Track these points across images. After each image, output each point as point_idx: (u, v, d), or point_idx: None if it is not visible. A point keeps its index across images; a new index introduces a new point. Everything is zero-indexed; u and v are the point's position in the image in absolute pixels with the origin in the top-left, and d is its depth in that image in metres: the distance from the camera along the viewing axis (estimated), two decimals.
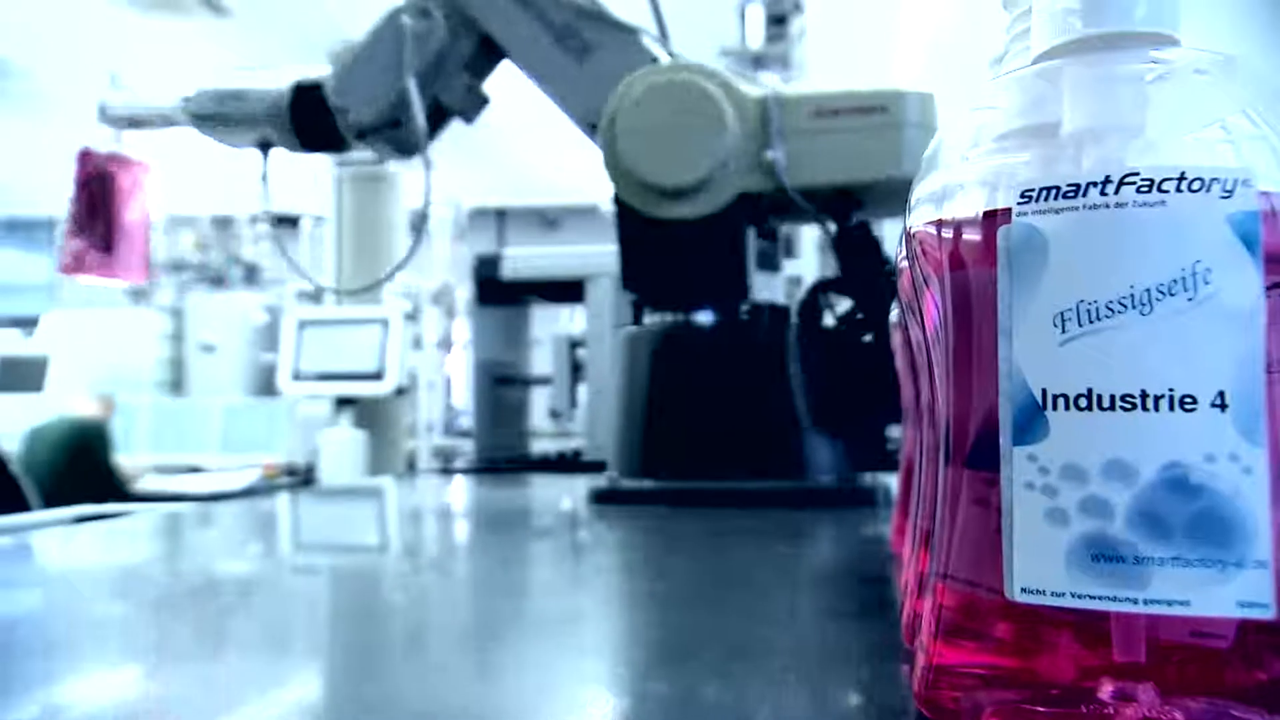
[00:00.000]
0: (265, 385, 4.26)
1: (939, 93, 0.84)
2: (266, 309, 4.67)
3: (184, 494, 3.25)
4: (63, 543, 0.76)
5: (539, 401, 2.09)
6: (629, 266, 0.90)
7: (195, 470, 3.90)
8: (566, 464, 1.55)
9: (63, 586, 0.58)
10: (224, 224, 5.10)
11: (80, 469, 3.19)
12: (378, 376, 3.45)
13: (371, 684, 0.33)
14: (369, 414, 3.61)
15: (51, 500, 2.72)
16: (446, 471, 1.85)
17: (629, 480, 0.87)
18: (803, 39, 3.36)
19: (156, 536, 0.77)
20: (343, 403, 3.56)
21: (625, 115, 0.83)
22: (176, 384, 4.63)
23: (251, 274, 5.04)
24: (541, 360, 2.01)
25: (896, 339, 0.51)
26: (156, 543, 0.74)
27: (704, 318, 0.89)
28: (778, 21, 3.34)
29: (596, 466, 1.17)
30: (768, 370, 0.85)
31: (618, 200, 0.86)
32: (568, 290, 1.68)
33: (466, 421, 3.97)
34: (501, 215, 7.60)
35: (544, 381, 1.93)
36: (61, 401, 3.55)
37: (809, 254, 2.66)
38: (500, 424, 1.76)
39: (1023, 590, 0.23)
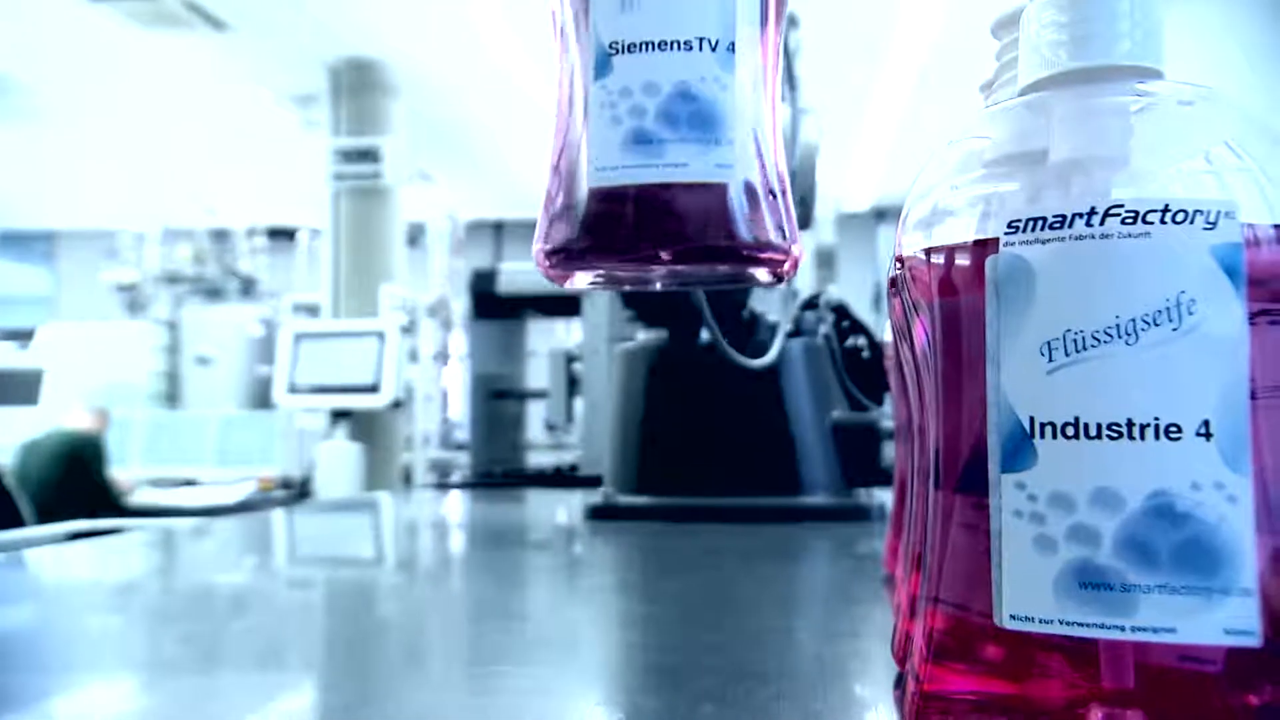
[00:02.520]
0: (261, 398, 4.26)
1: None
2: (262, 322, 4.67)
3: (179, 508, 3.24)
4: (57, 559, 0.76)
5: (535, 414, 2.09)
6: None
7: (190, 483, 3.89)
8: (563, 478, 1.55)
9: (57, 602, 0.58)
10: (221, 237, 5.10)
11: (74, 482, 3.18)
12: (374, 389, 3.46)
13: (365, 702, 0.33)
14: (365, 427, 3.61)
15: (45, 513, 2.71)
16: (443, 486, 1.85)
17: (625, 496, 0.87)
18: (799, 54, 3.38)
19: (151, 552, 0.77)
20: (339, 415, 3.55)
21: None
22: (172, 397, 4.63)
23: (248, 287, 5.04)
24: (537, 373, 2.01)
25: (888, 359, 0.51)
26: (151, 558, 0.74)
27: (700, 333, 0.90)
28: None
29: (592, 481, 1.16)
30: (763, 386, 0.85)
31: None
32: (564, 304, 1.69)
33: (462, 434, 3.97)
34: (499, 228, 7.62)
35: (540, 395, 1.93)
36: (56, 414, 3.54)
37: (805, 267, 2.67)
38: (496, 437, 1.76)
39: (1011, 617, 0.23)
